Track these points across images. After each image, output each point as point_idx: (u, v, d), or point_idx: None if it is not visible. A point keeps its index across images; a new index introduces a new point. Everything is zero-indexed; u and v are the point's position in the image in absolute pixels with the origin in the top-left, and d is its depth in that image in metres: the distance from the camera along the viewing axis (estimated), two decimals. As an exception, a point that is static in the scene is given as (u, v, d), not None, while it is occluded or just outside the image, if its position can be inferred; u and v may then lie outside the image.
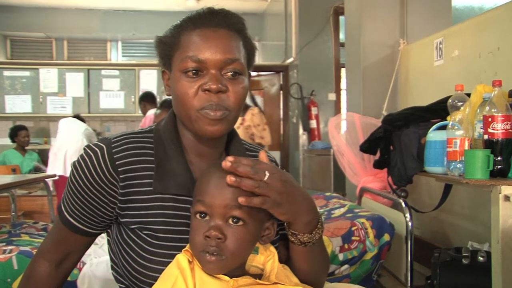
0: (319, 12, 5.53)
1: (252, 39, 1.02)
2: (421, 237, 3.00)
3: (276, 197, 0.84)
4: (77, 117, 5.29)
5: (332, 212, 2.63)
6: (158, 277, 0.88)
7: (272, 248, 0.93)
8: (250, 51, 1.00)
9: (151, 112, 4.59)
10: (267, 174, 0.84)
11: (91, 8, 7.36)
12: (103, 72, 6.31)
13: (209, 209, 0.84)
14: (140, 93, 5.58)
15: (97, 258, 2.07)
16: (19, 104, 6.14)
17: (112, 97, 6.27)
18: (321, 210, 2.73)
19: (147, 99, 4.95)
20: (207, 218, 0.85)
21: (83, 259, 2.00)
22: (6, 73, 6.14)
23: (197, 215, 0.86)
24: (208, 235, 0.82)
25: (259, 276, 0.89)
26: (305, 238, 0.91)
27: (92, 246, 2.15)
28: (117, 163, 0.94)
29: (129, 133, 1.01)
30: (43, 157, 5.64)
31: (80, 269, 2.01)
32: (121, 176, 0.94)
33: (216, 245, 0.82)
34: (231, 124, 0.96)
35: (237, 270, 0.86)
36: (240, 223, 0.84)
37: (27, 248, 2.02)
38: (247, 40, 0.99)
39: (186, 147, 1.01)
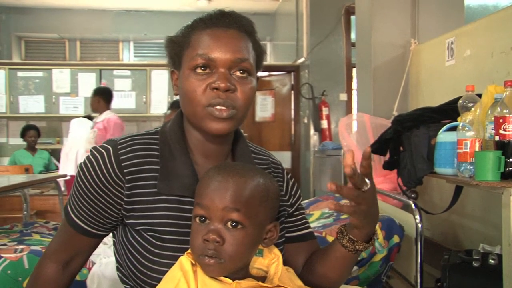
0: (331, 12, 5.51)
1: (261, 42, 1.02)
2: (432, 238, 2.97)
3: (365, 208, 0.86)
4: (88, 117, 5.33)
5: (342, 213, 2.62)
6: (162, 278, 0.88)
7: (276, 251, 0.93)
8: (259, 54, 1.00)
9: (109, 114, 4.39)
10: (368, 184, 0.84)
11: (103, 9, 7.41)
12: (115, 72, 6.33)
13: (208, 212, 0.84)
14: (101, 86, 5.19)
15: (107, 258, 2.08)
16: (32, 104, 6.19)
17: (124, 97, 6.29)
18: (331, 211, 2.72)
19: (103, 94, 4.54)
20: (206, 221, 0.85)
21: (92, 259, 2.02)
22: (20, 73, 6.20)
23: (197, 219, 0.86)
24: (207, 238, 0.83)
25: (262, 278, 0.89)
26: (360, 246, 0.93)
27: (101, 246, 2.17)
28: (123, 164, 0.95)
29: (135, 135, 1.01)
30: (55, 157, 5.69)
31: (89, 269, 2.02)
32: (127, 178, 0.94)
33: (215, 248, 0.82)
34: (238, 123, 0.97)
35: (240, 273, 0.86)
36: (239, 226, 0.84)
37: (37, 248, 2.04)
38: (256, 42, 1.00)
39: (192, 148, 1.01)
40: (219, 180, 0.85)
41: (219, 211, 0.83)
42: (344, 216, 2.52)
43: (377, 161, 2.90)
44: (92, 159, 0.96)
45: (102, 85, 5.26)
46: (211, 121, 0.93)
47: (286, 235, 1.07)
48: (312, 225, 1.19)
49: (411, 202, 2.22)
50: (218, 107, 0.92)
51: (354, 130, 3.24)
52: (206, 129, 0.94)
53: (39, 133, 5.69)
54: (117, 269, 1.04)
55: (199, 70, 0.93)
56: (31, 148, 5.59)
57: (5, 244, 2.10)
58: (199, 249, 0.83)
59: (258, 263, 0.92)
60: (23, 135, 5.54)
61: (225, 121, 0.93)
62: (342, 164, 4.40)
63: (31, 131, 5.55)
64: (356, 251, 0.93)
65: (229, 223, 0.84)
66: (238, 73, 0.94)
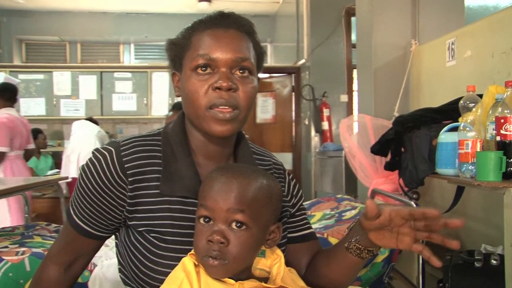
0: (331, 13, 5.51)
1: (261, 43, 1.03)
2: (434, 239, 2.96)
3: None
4: (90, 119, 5.33)
5: (343, 214, 2.62)
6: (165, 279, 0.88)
7: (278, 252, 0.93)
8: (259, 54, 1.01)
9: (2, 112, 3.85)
10: None
11: (104, 11, 7.43)
12: (116, 74, 6.33)
13: (212, 214, 0.84)
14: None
15: (108, 260, 2.08)
16: (33, 107, 6.20)
17: (125, 100, 6.30)
18: (332, 212, 2.71)
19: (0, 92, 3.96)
20: (211, 222, 0.85)
21: (94, 261, 2.02)
22: (21, 76, 6.20)
23: (201, 220, 0.86)
24: (211, 239, 0.82)
25: (265, 279, 0.89)
26: (376, 251, 0.93)
27: (103, 248, 2.17)
28: (125, 166, 0.95)
29: (138, 136, 1.01)
30: (57, 159, 5.69)
31: (91, 271, 2.02)
32: (129, 179, 0.94)
33: (219, 249, 0.82)
34: (240, 124, 0.97)
35: (243, 273, 0.86)
36: (243, 227, 0.84)
37: (39, 250, 2.03)
38: (256, 43, 1.00)
39: (194, 149, 1.01)
40: (223, 182, 0.85)
41: (223, 212, 0.83)
42: (346, 216, 2.52)
43: (379, 162, 2.90)
44: (95, 161, 0.96)
45: (3, 81, 4.38)
46: (214, 124, 0.93)
47: (288, 235, 1.07)
48: (313, 226, 1.19)
49: (412, 202, 2.22)
50: (221, 107, 0.92)
51: (355, 131, 3.24)
52: (209, 131, 0.94)
53: None
54: (120, 271, 1.04)
55: (200, 71, 0.93)
56: (38, 151, 5.58)
57: (6, 247, 2.09)
58: (203, 250, 0.83)
59: (260, 264, 0.92)
60: (33, 138, 5.49)
61: (228, 123, 0.93)
62: (343, 165, 4.40)
63: (42, 134, 5.54)
64: (373, 255, 0.94)
65: (233, 224, 0.84)
66: (239, 73, 0.94)
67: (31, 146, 4.25)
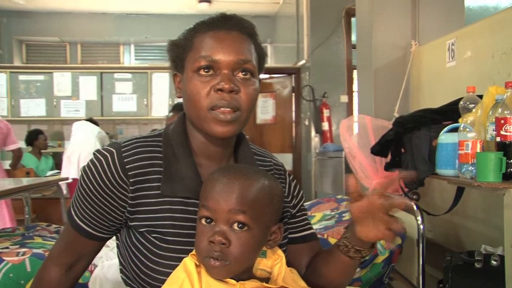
0: (331, 14, 5.52)
1: (262, 45, 1.03)
2: (434, 240, 2.97)
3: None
4: (90, 120, 5.34)
5: (343, 215, 2.62)
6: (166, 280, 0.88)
7: (279, 252, 0.93)
8: (261, 56, 1.01)
9: None
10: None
11: (104, 12, 7.43)
12: (116, 75, 6.34)
13: (214, 214, 0.84)
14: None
15: (109, 260, 2.08)
16: (33, 108, 6.20)
17: (125, 100, 6.30)
18: (332, 213, 2.72)
19: None
20: (212, 223, 0.85)
21: (94, 261, 2.02)
22: (22, 77, 6.21)
23: (202, 220, 0.86)
24: (212, 240, 0.83)
25: (266, 279, 0.89)
26: (366, 252, 0.94)
27: (104, 249, 2.16)
28: (127, 167, 0.95)
29: (139, 137, 1.02)
30: (57, 160, 5.69)
31: (91, 272, 2.02)
32: (131, 180, 0.95)
33: (220, 250, 0.82)
34: (242, 125, 0.97)
35: (244, 274, 0.86)
36: (245, 228, 0.84)
37: (40, 251, 2.04)
38: (258, 45, 1.01)
39: (195, 150, 1.01)
40: (225, 182, 0.85)
41: (225, 213, 0.83)
42: (346, 217, 2.52)
43: (379, 162, 2.90)
44: (96, 162, 0.96)
45: None
46: (216, 125, 0.93)
47: (289, 236, 1.08)
48: (313, 227, 1.20)
49: (412, 203, 2.22)
50: (222, 108, 0.92)
51: (355, 132, 3.24)
52: (210, 132, 0.95)
53: None
54: (121, 271, 1.04)
55: (202, 72, 0.94)
56: (39, 152, 5.58)
57: (7, 247, 2.10)
58: (204, 251, 0.84)
59: (262, 265, 0.92)
60: (33, 139, 5.49)
61: (229, 124, 0.93)
62: (344, 166, 4.40)
63: (42, 135, 5.55)
64: (362, 258, 0.94)
65: (235, 225, 0.84)
66: (241, 75, 0.95)
67: (14, 146, 4.24)
